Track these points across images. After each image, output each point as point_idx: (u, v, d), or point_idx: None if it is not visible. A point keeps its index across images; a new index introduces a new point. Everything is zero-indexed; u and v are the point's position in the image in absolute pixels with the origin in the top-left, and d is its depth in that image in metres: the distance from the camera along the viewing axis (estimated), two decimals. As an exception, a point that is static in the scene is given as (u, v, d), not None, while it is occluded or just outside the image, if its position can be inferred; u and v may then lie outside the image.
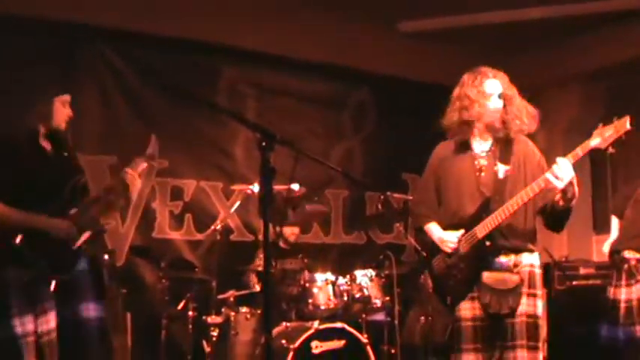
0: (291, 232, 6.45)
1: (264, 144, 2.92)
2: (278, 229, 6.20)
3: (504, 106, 4.10)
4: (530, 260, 3.95)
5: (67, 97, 3.94)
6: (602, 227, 8.30)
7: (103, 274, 4.06)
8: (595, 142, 3.82)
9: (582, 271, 7.37)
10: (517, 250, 3.92)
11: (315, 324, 5.37)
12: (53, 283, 3.61)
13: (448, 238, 4.01)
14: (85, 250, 3.79)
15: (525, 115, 4.15)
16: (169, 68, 6.57)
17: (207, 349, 5.56)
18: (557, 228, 4.03)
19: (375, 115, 7.79)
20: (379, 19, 7.43)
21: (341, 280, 5.66)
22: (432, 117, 8.23)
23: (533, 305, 3.89)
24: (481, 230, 3.86)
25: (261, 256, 5.88)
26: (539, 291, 3.94)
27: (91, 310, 3.78)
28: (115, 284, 5.53)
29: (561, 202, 3.82)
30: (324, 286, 5.60)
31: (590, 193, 8.44)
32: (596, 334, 6.34)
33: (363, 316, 5.72)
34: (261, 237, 6.42)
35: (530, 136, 8.87)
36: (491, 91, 4.15)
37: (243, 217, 6.81)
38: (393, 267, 6.14)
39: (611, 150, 3.80)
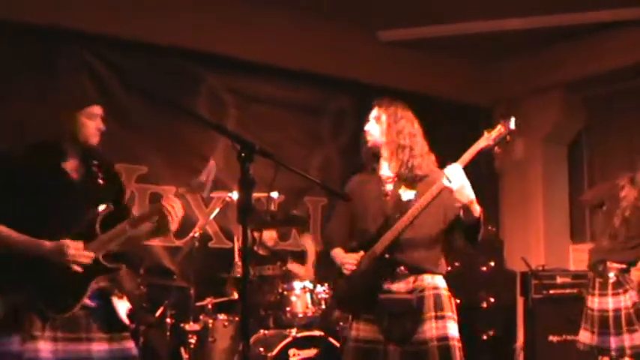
0: (270, 236, 6.45)
1: (243, 155, 2.91)
2: (257, 235, 6.21)
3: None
4: (434, 282, 3.86)
5: (96, 110, 3.62)
6: (579, 236, 8.39)
7: (115, 310, 3.56)
8: (482, 143, 3.85)
9: (559, 280, 7.43)
10: (417, 271, 3.84)
11: (293, 332, 5.38)
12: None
13: (348, 260, 3.95)
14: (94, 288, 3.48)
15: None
16: (151, 74, 6.55)
17: (185, 356, 5.55)
18: (470, 241, 3.95)
19: (354, 122, 7.79)
20: (360, 27, 7.47)
21: (319, 288, 5.67)
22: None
23: (444, 328, 3.78)
24: (379, 246, 3.82)
25: (240, 263, 5.89)
26: (449, 313, 3.83)
27: (101, 352, 3.44)
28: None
29: (464, 216, 3.78)
30: (302, 294, 5.61)
31: (568, 204, 8.51)
32: (574, 342, 6.40)
33: (341, 324, 5.72)
34: (238, 245, 6.45)
35: (508, 145, 8.97)
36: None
37: (221, 224, 6.80)
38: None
39: (497, 149, 3.85)
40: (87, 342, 3.43)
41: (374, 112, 4.10)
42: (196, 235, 5.79)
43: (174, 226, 3.61)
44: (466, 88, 8.52)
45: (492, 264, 7.61)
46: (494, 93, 8.63)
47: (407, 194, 3.91)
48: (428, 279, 3.84)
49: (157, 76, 6.58)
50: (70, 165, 3.56)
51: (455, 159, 8.85)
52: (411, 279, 3.82)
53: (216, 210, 6.06)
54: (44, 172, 3.50)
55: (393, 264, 3.81)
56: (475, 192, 8.86)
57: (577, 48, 7.74)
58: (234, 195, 5.92)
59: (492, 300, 7.51)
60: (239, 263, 5.89)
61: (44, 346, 3.31)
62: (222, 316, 5.63)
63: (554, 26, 7.24)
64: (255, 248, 6.24)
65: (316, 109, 7.68)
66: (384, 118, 4.06)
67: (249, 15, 6.95)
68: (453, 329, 3.81)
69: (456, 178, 3.69)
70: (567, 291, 7.37)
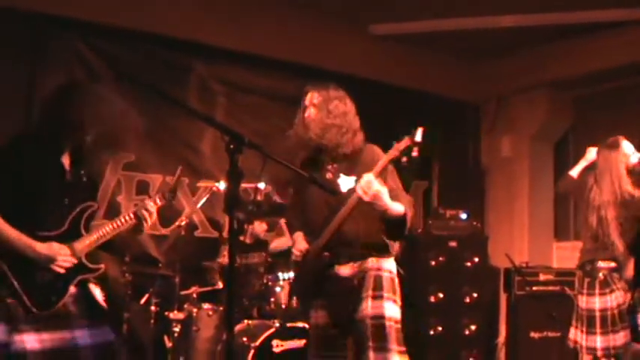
0: (261, 228, 6.47)
1: (232, 147, 2.92)
2: (248, 226, 6.23)
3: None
4: (378, 264, 3.94)
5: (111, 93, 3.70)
6: (563, 234, 8.45)
7: (94, 297, 3.69)
8: (391, 154, 3.90)
9: (542, 277, 7.49)
10: (359, 257, 3.93)
11: (277, 323, 5.40)
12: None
13: (297, 247, 4.11)
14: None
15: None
16: (140, 62, 6.54)
17: (169, 345, 5.56)
18: (391, 237, 4.03)
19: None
20: (351, 20, 7.47)
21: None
22: (400, 119, 8.35)
23: (380, 307, 3.86)
24: (322, 239, 3.93)
25: (225, 252, 5.91)
26: (388, 293, 3.90)
27: (83, 337, 3.49)
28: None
29: (386, 217, 3.86)
30: (286, 285, 5.63)
31: (553, 202, 8.57)
32: (556, 339, 6.46)
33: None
34: (225, 234, 6.46)
35: (496, 143, 9.01)
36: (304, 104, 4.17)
37: (208, 214, 6.80)
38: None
39: (404, 159, 3.89)
40: (70, 329, 3.48)
41: (308, 97, 4.19)
42: (182, 224, 5.80)
43: (147, 228, 3.82)
44: (455, 84, 8.55)
45: (476, 259, 7.65)
46: (483, 90, 8.66)
47: (346, 182, 3.98)
48: (372, 261, 3.94)
49: (146, 65, 6.56)
50: (65, 160, 3.61)
51: (442, 153, 8.92)
52: (356, 264, 3.94)
53: (203, 199, 6.06)
54: (45, 167, 3.54)
55: (333, 259, 3.93)
56: (462, 188, 8.92)
57: (566, 48, 7.78)
58: (221, 185, 5.93)
59: (475, 295, 7.55)
60: (224, 251, 5.91)
61: (30, 337, 3.37)
62: (206, 305, 5.65)
63: (544, 25, 7.27)
64: (242, 238, 6.26)
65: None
66: (316, 101, 4.14)
67: (240, 6, 6.96)
68: (390, 309, 3.88)
69: (368, 189, 3.71)
70: (550, 288, 7.43)
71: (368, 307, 3.86)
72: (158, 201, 3.89)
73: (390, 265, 4.01)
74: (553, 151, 8.68)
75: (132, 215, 3.75)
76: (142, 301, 5.75)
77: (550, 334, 7.17)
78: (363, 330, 3.84)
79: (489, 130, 8.83)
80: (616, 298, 5.49)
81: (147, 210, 3.77)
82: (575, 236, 8.29)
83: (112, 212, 6.34)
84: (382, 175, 3.84)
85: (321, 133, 4.03)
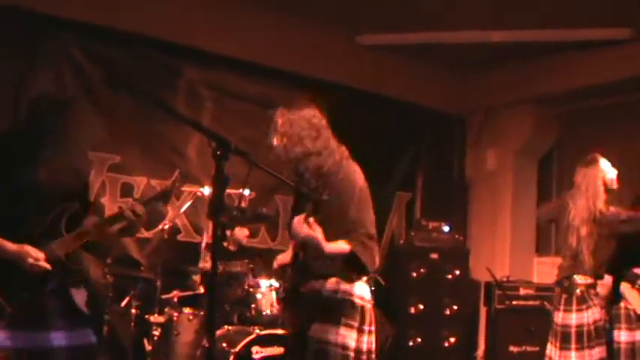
0: (243, 233, 6.47)
1: (218, 152, 2.93)
2: (229, 232, 6.22)
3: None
4: (340, 287, 3.84)
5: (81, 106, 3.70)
6: (544, 249, 8.50)
7: (72, 298, 3.57)
8: None
9: (522, 291, 7.55)
10: (326, 275, 3.86)
11: (257, 329, 5.41)
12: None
13: (278, 258, 4.22)
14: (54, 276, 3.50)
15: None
16: (129, 64, 6.53)
17: (149, 348, 5.55)
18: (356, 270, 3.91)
19: (330, 125, 7.82)
20: (341, 30, 7.50)
21: (286, 287, 5.70)
22: (386, 129, 8.40)
23: (326, 332, 3.77)
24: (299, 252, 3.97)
25: (207, 257, 5.90)
26: (341, 319, 3.78)
27: (60, 339, 3.45)
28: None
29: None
30: (267, 292, 5.63)
31: (535, 216, 8.61)
32: (534, 353, 6.50)
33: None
34: (207, 239, 6.46)
35: (480, 156, 9.08)
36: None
37: (191, 218, 6.79)
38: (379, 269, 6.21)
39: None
40: (45, 330, 3.45)
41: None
42: (166, 227, 5.80)
43: (140, 228, 3.81)
44: (442, 96, 8.59)
45: (457, 272, 7.69)
46: (469, 103, 8.71)
47: None
48: (330, 282, 3.84)
49: (135, 67, 6.56)
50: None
51: (428, 165, 8.93)
52: (318, 283, 3.86)
53: (187, 204, 6.06)
54: (21, 166, 3.52)
55: (305, 267, 3.91)
56: (445, 201, 8.95)
57: (552, 64, 7.84)
58: (206, 190, 5.94)
59: (456, 308, 7.59)
60: (207, 257, 5.90)
61: (2, 335, 3.33)
62: (187, 310, 5.64)
63: (532, 41, 7.33)
64: (225, 244, 6.25)
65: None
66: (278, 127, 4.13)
67: (232, 12, 6.97)
68: (334, 334, 3.76)
69: (297, 232, 3.79)
70: (530, 303, 7.49)
71: (317, 330, 3.79)
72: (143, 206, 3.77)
73: (353, 289, 3.87)
74: (537, 166, 8.74)
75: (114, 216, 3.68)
76: (123, 303, 5.73)
77: (529, 349, 7.22)
78: (307, 352, 3.79)
79: (475, 144, 8.88)
80: (592, 314, 5.54)
81: (134, 213, 3.64)
82: (557, 252, 8.26)
83: (96, 214, 6.32)
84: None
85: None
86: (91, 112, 6.21)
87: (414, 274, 7.58)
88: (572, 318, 5.57)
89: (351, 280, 3.86)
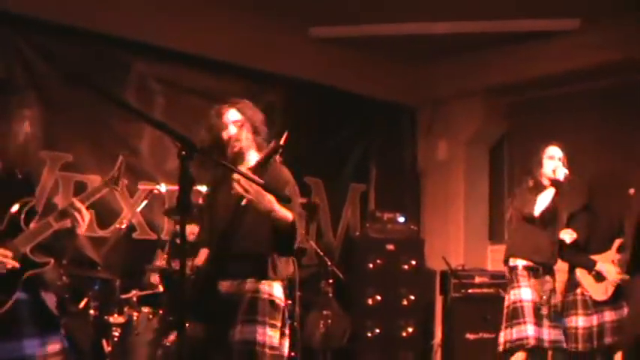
0: (189, 231, 6.40)
1: (184, 153, 2.90)
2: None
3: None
4: (255, 287, 3.81)
5: (26, 112, 3.66)
6: (497, 237, 8.60)
7: (44, 303, 3.61)
8: (262, 155, 3.86)
9: (477, 279, 7.64)
10: (241, 275, 3.83)
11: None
12: None
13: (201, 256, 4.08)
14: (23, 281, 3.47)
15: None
16: (79, 59, 6.42)
17: (108, 349, 5.48)
18: (281, 249, 3.89)
19: (282, 117, 7.80)
20: (292, 23, 7.47)
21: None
22: (338, 122, 8.42)
23: (252, 333, 3.73)
24: (211, 250, 3.94)
25: (163, 255, 5.84)
26: (264, 318, 3.77)
27: (34, 347, 3.44)
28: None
29: (275, 223, 3.75)
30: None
31: (487, 205, 8.72)
32: (490, 340, 6.58)
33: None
34: (164, 236, 6.39)
35: (432, 147, 9.12)
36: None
37: (146, 216, 6.70)
38: (295, 270, 6.19)
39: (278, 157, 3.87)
40: (17, 338, 3.41)
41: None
42: (123, 226, 5.73)
43: (81, 230, 3.67)
44: (393, 88, 8.63)
45: (413, 262, 7.75)
46: (420, 94, 8.77)
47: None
48: (250, 283, 3.81)
49: (85, 62, 6.46)
50: None
51: (380, 157, 8.97)
52: (236, 282, 3.82)
53: (144, 202, 6.00)
54: None
55: (223, 265, 3.83)
56: (398, 191, 8.97)
57: (502, 55, 7.92)
58: (162, 187, 5.88)
59: (412, 297, 7.65)
60: (164, 255, 5.84)
61: None
62: (146, 309, 5.58)
63: (482, 32, 7.39)
64: (178, 240, 6.19)
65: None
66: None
67: (181, 5, 6.89)
68: (262, 334, 3.74)
69: (249, 185, 3.61)
70: (485, 290, 7.58)
71: (237, 332, 3.73)
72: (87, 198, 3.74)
73: (272, 288, 3.85)
74: (488, 155, 8.84)
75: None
76: (81, 305, 5.64)
77: (485, 336, 7.31)
78: (232, 355, 3.71)
79: (426, 134, 8.95)
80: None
81: (75, 208, 3.59)
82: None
83: (48, 213, 6.22)
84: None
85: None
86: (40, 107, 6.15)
87: (371, 266, 7.61)
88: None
89: (269, 279, 3.84)
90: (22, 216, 3.53)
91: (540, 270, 5.76)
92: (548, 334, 5.68)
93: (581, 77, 7.58)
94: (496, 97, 8.48)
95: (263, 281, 3.82)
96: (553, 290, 5.80)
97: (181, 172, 2.96)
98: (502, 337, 5.75)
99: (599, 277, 5.90)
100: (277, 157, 3.89)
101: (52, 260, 3.60)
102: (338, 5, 7.06)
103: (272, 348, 3.76)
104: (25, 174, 3.71)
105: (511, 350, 5.69)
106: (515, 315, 5.69)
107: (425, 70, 8.61)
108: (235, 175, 3.59)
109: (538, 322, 5.67)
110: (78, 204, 3.61)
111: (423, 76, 8.67)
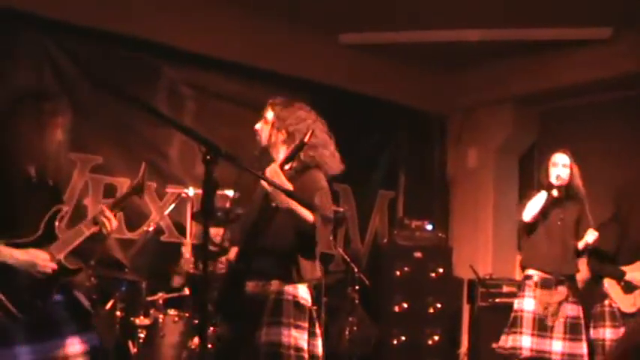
0: (215, 232, 6.43)
1: (208, 157, 2.91)
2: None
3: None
4: (280, 288, 3.81)
5: (60, 121, 3.69)
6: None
7: (80, 301, 3.70)
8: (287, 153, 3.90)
9: (505, 289, 7.57)
10: (266, 277, 3.83)
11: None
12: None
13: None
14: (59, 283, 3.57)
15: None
16: (110, 64, 6.49)
17: (134, 351, 5.52)
18: (303, 253, 3.88)
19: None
20: (321, 29, 7.49)
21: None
22: (367, 128, 8.42)
23: (277, 334, 3.72)
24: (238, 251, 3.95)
25: (188, 257, 5.87)
26: (289, 320, 3.75)
27: (75, 345, 3.51)
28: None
29: (295, 222, 3.74)
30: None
31: (515, 213, 8.65)
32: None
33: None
34: (191, 239, 6.43)
35: (461, 155, 9.09)
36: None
37: (174, 219, 6.75)
38: (321, 276, 6.20)
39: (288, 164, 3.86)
40: (60, 337, 3.50)
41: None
42: (150, 229, 5.77)
43: (109, 237, 3.79)
44: (423, 95, 8.61)
45: (441, 270, 7.71)
46: (450, 102, 8.74)
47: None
48: (275, 284, 3.81)
49: (116, 66, 6.52)
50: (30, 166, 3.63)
51: (409, 164, 8.96)
52: (260, 283, 3.83)
53: (172, 205, 6.05)
54: (12, 172, 3.56)
55: (245, 274, 3.85)
56: (426, 199, 8.94)
57: (533, 63, 7.88)
58: (190, 191, 5.92)
59: (439, 306, 7.61)
60: (190, 259, 5.87)
61: (22, 349, 3.37)
62: (172, 312, 5.62)
63: (512, 40, 7.36)
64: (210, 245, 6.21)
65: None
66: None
67: (212, 11, 6.93)
68: (287, 336, 3.72)
69: (271, 174, 3.68)
70: (512, 300, 7.50)
71: (263, 334, 3.72)
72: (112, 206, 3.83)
73: (298, 290, 3.84)
74: (518, 163, 8.78)
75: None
76: (108, 306, 5.69)
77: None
78: (258, 357, 3.70)
79: (455, 142, 8.92)
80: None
81: (105, 216, 3.69)
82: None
83: (79, 215, 6.29)
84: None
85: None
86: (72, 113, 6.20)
87: (398, 273, 7.58)
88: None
89: (293, 282, 3.84)
90: (56, 223, 3.62)
91: (552, 280, 5.73)
92: (562, 346, 5.64)
93: (612, 86, 7.53)
94: (526, 105, 8.44)
95: (287, 283, 3.83)
96: (565, 301, 5.75)
97: (206, 176, 2.98)
98: (500, 342, 5.88)
99: (628, 289, 5.83)
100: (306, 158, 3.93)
101: (82, 265, 3.68)
102: (368, 12, 7.07)
103: (297, 349, 3.74)
104: (57, 181, 3.79)
105: (505, 357, 5.77)
106: (514, 324, 5.81)
107: (455, 77, 8.58)
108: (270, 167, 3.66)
109: (540, 334, 5.66)
110: (107, 212, 3.70)
111: (453, 84, 8.65)
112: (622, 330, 5.78)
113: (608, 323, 5.86)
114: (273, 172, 3.71)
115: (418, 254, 7.68)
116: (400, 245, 7.74)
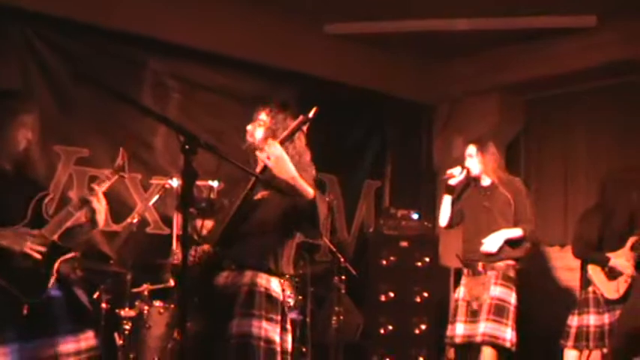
0: (205, 225, 6.43)
1: (187, 147, 2.91)
2: (199, 224, 6.18)
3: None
4: (253, 280, 3.79)
5: (26, 119, 3.72)
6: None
7: (79, 298, 3.74)
8: (291, 127, 3.91)
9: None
10: (241, 267, 3.81)
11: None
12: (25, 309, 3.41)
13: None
14: (56, 273, 3.58)
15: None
16: (94, 56, 6.47)
17: (119, 342, 5.53)
18: (306, 229, 3.96)
19: (297, 114, 7.79)
20: (308, 19, 7.48)
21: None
22: (354, 118, 8.42)
23: (248, 326, 3.71)
24: (212, 239, 3.91)
25: (176, 250, 5.87)
26: (260, 311, 3.74)
27: (69, 343, 3.52)
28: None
29: (295, 195, 3.72)
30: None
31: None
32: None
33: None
34: (176, 231, 6.43)
35: (448, 144, 9.11)
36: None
37: (160, 210, 6.74)
38: (307, 266, 6.22)
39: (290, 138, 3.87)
40: (54, 335, 3.50)
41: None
42: (135, 220, 5.77)
43: (101, 221, 3.79)
44: (410, 85, 8.61)
45: (427, 259, 7.70)
46: (437, 91, 8.74)
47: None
48: (248, 276, 3.80)
49: (100, 59, 6.50)
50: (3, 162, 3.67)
51: (396, 154, 8.95)
52: (233, 274, 3.81)
53: (156, 197, 6.04)
54: None
55: (218, 262, 3.83)
56: (413, 188, 8.95)
57: (519, 52, 7.88)
58: (174, 182, 5.91)
59: (426, 295, 7.60)
60: (176, 250, 5.87)
61: (14, 347, 3.38)
62: (157, 303, 5.63)
63: (499, 29, 7.36)
64: (194, 236, 6.21)
65: (261, 99, 7.64)
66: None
67: (197, 3, 6.93)
68: (258, 328, 3.71)
69: (272, 153, 3.66)
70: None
71: (234, 325, 3.71)
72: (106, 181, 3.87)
73: (270, 283, 3.83)
74: (505, 153, 8.79)
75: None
76: (93, 297, 5.70)
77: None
78: (228, 349, 3.68)
79: (442, 131, 8.92)
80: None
81: (93, 193, 3.74)
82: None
83: (63, 207, 6.28)
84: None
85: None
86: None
87: (384, 262, 7.59)
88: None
89: (267, 274, 3.84)
90: (43, 208, 3.66)
91: (480, 267, 5.90)
92: (484, 327, 5.75)
93: (598, 74, 7.52)
94: (513, 94, 8.45)
95: (260, 274, 3.82)
96: (493, 285, 5.84)
97: (185, 166, 2.98)
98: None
99: (612, 275, 5.87)
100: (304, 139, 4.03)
101: (76, 253, 3.72)
102: (353, 1, 7.06)
103: (268, 341, 3.74)
104: (36, 176, 3.82)
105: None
106: (453, 314, 6.06)
107: (441, 67, 8.58)
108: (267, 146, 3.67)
109: (471, 320, 5.84)
110: (96, 188, 3.76)
111: (439, 73, 8.64)
112: (606, 316, 5.82)
113: (592, 310, 5.91)
114: (273, 147, 3.68)
115: (404, 243, 7.68)
116: (386, 234, 7.73)
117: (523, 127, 8.69)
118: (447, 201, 6.21)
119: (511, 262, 5.88)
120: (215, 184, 5.78)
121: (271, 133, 4.00)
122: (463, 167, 6.09)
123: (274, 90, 7.67)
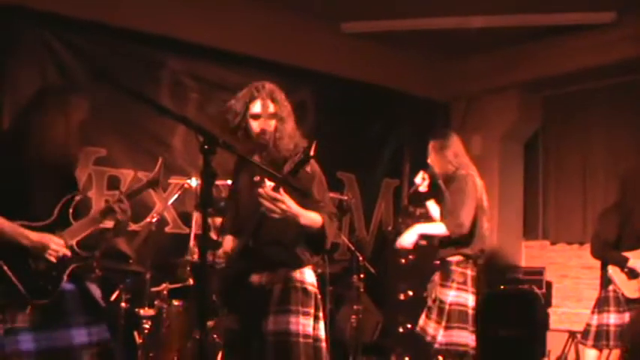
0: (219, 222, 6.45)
1: (206, 147, 2.92)
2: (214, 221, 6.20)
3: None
4: (287, 275, 3.79)
5: (81, 115, 3.80)
6: (531, 233, 8.54)
7: (91, 292, 3.78)
8: (287, 167, 3.72)
9: (510, 275, 7.58)
10: (274, 265, 3.81)
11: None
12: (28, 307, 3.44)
13: (223, 249, 4.01)
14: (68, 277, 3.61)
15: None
16: (112, 56, 6.50)
17: (139, 341, 5.56)
18: (312, 249, 3.88)
19: (315, 113, 7.81)
20: (324, 18, 7.49)
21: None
22: (371, 117, 8.40)
23: (286, 323, 3.71)
24: (246, 237, 3.85)
25: (195, 249, 5.89)
26: (297, 307, 3.73)
27: (82, 336, 3.55)
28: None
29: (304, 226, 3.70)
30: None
31: (522, 201, 8.64)
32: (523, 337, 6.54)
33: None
34: (195, 230, 6.44)
35: (466, 142, 9.13)
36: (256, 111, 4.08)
37: (178, 209, 6.77)
38: (326, 265, 6.22)
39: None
40: (67, 327, 3.52)
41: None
42: (154, 220, 5.79)
43: (125, 230, 3.92)
44: (426, 82, 8.59)
45: (446, 258, 7.67)
46: (454, 89, 8.72)
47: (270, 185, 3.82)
48: (282, 272, 3.80)
49: (117, 59, 6.53)
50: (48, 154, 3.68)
51: (414, 152, 8.92)
52: (267, 272, 3.81)
53: (175, 196, 6.06)
54: (30, 158, 3.61)
55: (254, 256, 3.81)
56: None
57: (537, 49, 7.85)
58: (193, 181, 5.93)
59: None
60: (194, 249, 5.89)
61: (25, 337, 3.41)
62: (176, 302, 5.64)
63: (516, 26, 7.34)
64: (212, 234, 6.23)
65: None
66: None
67: (214, 3, 6.95)
68: (295, 324, 3.71)
69: (271, 202, 3.56)
70: (518, 286, 7.53)
71: (271, 322, 3.71)
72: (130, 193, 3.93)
73: (304, 276, 3.84)
74: (523, 150, 8.76)
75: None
76: (113, 297, 5.72)
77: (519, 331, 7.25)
78: (266, 346, 3.68)
79: (459, 129, 8.84)
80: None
81: (121, 204, 3.80)
82: (544, 235, 8.39)
83: (83, 207, 6.30)
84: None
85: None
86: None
87: (403, 261, 7.58)
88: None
89: (300, 266, 3.83)
90: (71, 210, 3.70)
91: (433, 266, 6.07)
92: (434, 328, 5.84)
93: (617, 71, 7.49)
94: (531, 91, 8.42)
95: (295, 269, 3.82)
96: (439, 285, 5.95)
97: (204, 166, 2.99)
98: None
99: (632, 275, 5.82)
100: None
101: (97, 253, 3.75)
102: (369, 0, 7.05)
103: (306, 337, 3.74)
104: (71, 171, 3.91)
105: None
106: None
107: (459, 64, 8.56)
108: (260, 190, 3.57)
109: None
110: (125, 204, 3.80)
111: (456, 71, 8.62)
112: (626, 315, 5.78)
113: (612, 308, 5.86)
114: (269, 194, 3.57)
115: (423, 242, 7.65)
116: (405, 233, 7.71)
117: (541, 124, 8.65)
118: (432, 206, 6.46)
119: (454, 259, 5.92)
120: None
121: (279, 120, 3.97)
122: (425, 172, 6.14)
123: (291, 89, 7.66)
